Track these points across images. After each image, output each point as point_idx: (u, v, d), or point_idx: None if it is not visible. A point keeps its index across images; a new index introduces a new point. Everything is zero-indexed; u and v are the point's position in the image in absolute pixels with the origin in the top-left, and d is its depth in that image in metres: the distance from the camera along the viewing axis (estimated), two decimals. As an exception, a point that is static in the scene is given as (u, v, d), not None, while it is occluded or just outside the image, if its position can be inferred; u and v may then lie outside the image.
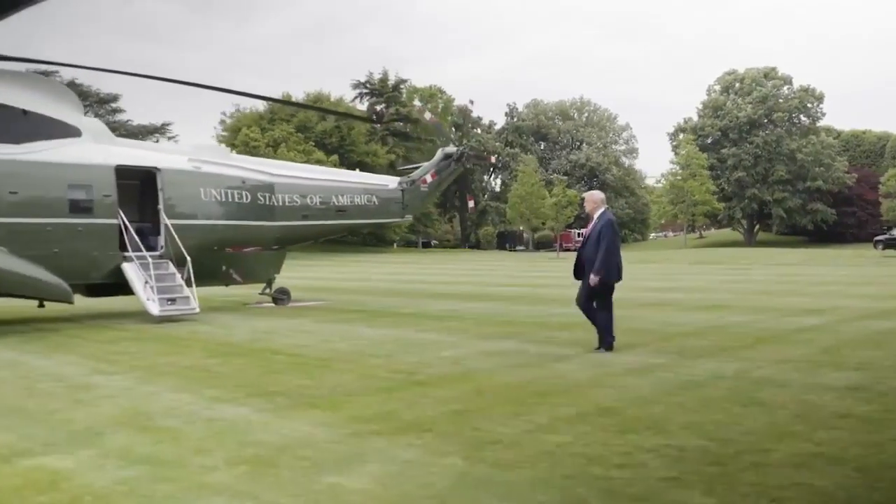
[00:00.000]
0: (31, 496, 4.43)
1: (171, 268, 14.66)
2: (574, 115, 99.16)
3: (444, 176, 21.79)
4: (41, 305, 14.71)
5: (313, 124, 59.63)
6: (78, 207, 14.03)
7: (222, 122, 76.19)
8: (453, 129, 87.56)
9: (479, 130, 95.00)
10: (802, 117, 78.51)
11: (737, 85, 79.78)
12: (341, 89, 62.72)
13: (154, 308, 13.81)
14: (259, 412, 6.53)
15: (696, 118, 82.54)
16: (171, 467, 4.94)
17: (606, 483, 4.51)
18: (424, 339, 11.33)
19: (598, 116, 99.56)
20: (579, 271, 9.69)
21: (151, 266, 14.24)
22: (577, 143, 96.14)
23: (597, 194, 9.96)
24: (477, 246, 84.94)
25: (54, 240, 13.54)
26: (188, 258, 14.77)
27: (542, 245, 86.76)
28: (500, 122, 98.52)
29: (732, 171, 75.00)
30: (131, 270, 14.25)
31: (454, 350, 10.02)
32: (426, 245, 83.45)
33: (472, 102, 27.73)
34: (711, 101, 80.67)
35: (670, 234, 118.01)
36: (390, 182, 20.56)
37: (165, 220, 15.06)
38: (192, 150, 16.96)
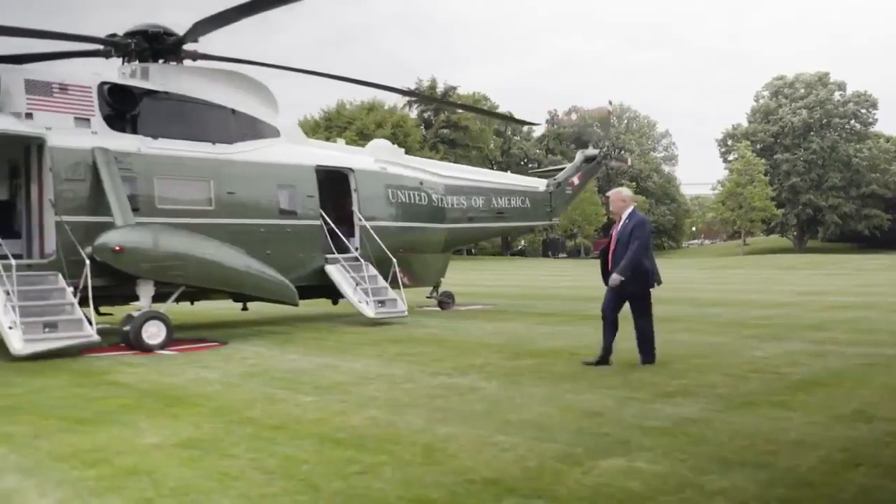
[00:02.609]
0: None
1: (372, 269, 14.32)
2: (614, 122, 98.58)
3: (587, 178, 21.52)
4: (245, 308, 14.40)
5: (371, 131, 59.45)
6: (286, 208, 13.75)
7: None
8: (494, 136, 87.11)
9: (518, 137, 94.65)
10: (854, 122, 77.75)
11: (786, 90, 79.09)
12: (366, 96, 62.35)
13: (370, 311, 13.46)
14: (711, 412, 6.18)
15: (745, 124, 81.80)
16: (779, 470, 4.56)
17: None
18: (700, 340, 10.92)
19: (638, 123, 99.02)
20: (608, 277, 8.76)
21: (364, 268, 13.94)
22: (618, 150, 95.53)
23: (624, 192, 9.01)
24: (522, 253, 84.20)
25: (267, 241, 13.24)
26: (394, 259, 14.47)
27: (576, 253, 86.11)
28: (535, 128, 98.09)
29: (786, 177, 74.19)
30: (337, 272, 13.93)
31: (763, 351, 9.64)
32: (468, 252, 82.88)
33: (610, 103, 27.17)
34: (761, 107, 79.95)
35: (706, 241, 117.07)
36: (540, 184, 20.25)
37: (363, 221, 14.74)
38: (370, 149, 16.69)
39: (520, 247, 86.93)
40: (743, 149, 69.58)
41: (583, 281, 31.27)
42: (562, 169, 21.81)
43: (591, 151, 21.59)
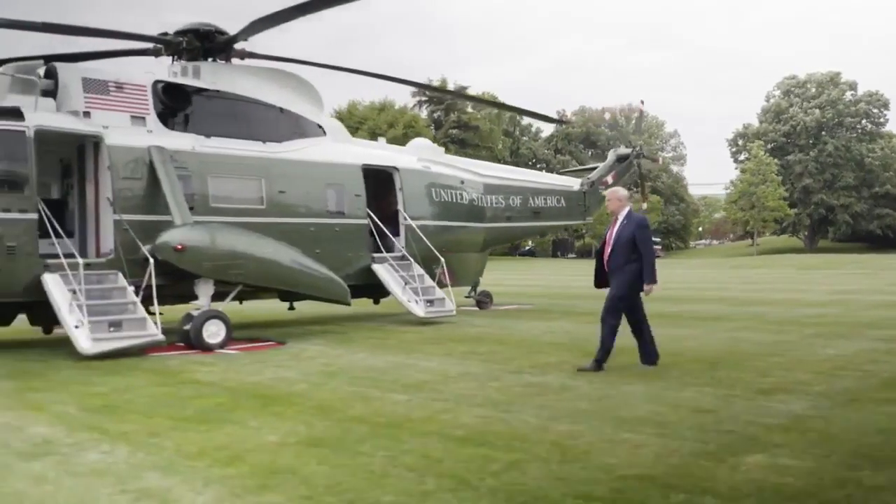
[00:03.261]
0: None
1: (419, 268, 14.25)
2: (622, 122, 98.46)
3: (620, 177, 21.43)
4: (291, 308, 14.34)
5: (383, 131, 59.45)
6: (334, 207, 13.69)
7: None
8: (503, 136, 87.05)
9: (526, 138, 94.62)
10: (865, 122, 77.52)
11: (797, 90, 78.86)
12: (376, 97, 62.71)
13: (419, 310, 13.39)
14: (823, 409, 6.14)
15: (756, 123, 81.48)
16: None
17: None
18: (765, 339, 10.85)
19: (647, 123, 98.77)
20: (603, 279, 8.56)
21: (414, 266, 13.90)
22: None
23: (620, 191, 8.77)
24: (531, 254, 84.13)
25: (317, 240, 13.16)
26: (442, 259, 14.44)
27: (586, 253, 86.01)
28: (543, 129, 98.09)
29: (798, 177, 73.96)
30: (385, 272, 13.86)
31: (836, 349, 9.60)
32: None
33: (642, 102, 26.70)
34: (772, 107, 79.73)
35: (714, 241, 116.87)
36: (574, 183, 20.18)
37: (408, 220, 14.68)
38: (411, 148, 16.63)
39: (528, 247, 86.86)
40: (756, 148, 69.35)
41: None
42: (595, 168, 21.73)
43: (623, 150, 21.50)
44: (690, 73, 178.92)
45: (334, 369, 8.67)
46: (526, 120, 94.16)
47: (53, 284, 10.10)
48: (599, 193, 20.67)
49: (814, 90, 78.31)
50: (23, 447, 5.25)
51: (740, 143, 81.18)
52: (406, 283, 13.67)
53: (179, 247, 10.56)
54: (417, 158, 15.69)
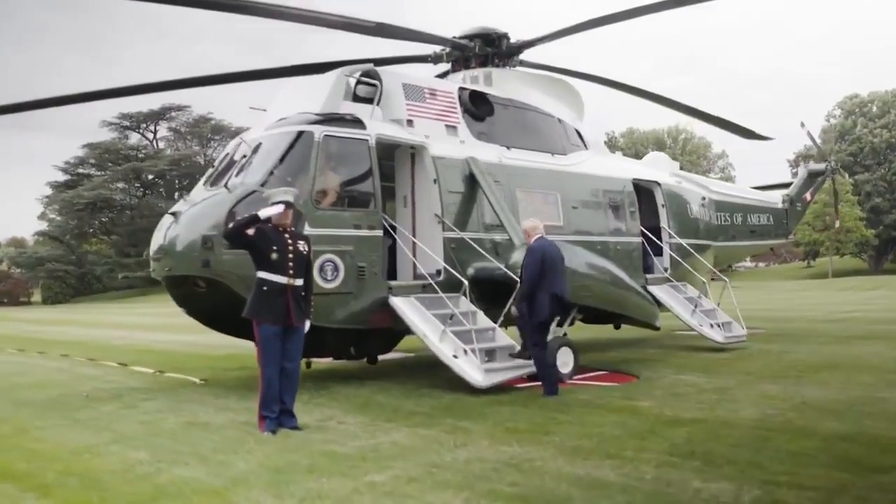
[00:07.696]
0: None
1: (693, 290, 13.23)
2: (669, 143, 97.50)
3: (815, 194, 20.51)
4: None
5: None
6: (615, 224, 12.75)
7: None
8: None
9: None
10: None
11: (859, 110, 77.51)
12: None
13: (717, 335, 12.30)
14: None
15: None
16: None
17: None
18: None
19: (693, 144, 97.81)
20: None
21: (689, 288, 12.92)
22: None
23: (527, 223, 9.09)
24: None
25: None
26: (726, 279, 13.44)
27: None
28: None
29: (867, 197, 72.34)
30: (666, 295, 12.82)
31: None
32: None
33: (802, 125, 26.08)
34: (834, 126, 78.36)
35: (761, 264, 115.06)
36: (776, 200, 19.15)
37: (675, 238, 13.70)
38: (650, 162, 15.73)
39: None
40: (830, 169, 67.92)
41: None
42: (787, 184, 20.68)
43: (816, 166, 20.56)
44: (718, 96, 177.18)
45: (795, 404, 7.59)
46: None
47: (411, 309, 9.15)
48: (797, 210, 19.75)
49: (876, 109, 76.93)
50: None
51: (801, 164, 79.75)
52: (696, 307, 12.61)
53: (541, 268, 9.56)
54: (670, 173, 14.75)
